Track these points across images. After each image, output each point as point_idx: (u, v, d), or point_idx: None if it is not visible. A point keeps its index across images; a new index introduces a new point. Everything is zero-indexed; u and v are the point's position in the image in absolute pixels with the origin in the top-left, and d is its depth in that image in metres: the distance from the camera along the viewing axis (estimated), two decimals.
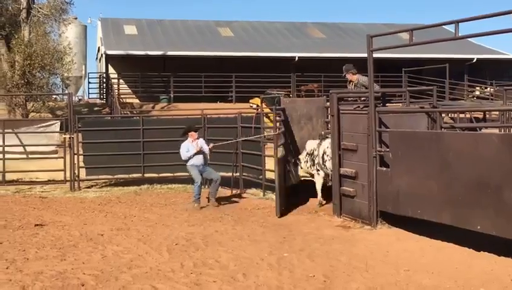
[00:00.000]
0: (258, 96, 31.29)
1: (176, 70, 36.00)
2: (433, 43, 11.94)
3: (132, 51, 37.16)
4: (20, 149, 19.07)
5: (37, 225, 12.21)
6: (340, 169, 12.55)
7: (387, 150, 11.18)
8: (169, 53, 37.03)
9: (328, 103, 13.92)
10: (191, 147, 14.66)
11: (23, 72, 28.02)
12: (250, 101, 31.22)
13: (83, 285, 7.62)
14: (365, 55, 11.71)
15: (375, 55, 11.88)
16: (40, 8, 29.36)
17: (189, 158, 14.62)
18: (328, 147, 13.55)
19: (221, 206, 14.49)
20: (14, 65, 27.95)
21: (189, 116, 19.29)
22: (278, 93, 30.06)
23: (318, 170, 14.07)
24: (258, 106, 29.20)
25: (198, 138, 14.97)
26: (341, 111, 12.77)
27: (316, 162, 14.05)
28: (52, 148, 19.17)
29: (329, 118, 13.61)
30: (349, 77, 14.60)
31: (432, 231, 10.05)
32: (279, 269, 8.38)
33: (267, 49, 38.69)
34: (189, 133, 14.87)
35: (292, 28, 44.57)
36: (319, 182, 14.16)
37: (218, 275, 8.09)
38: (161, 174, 18.35)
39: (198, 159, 14.69)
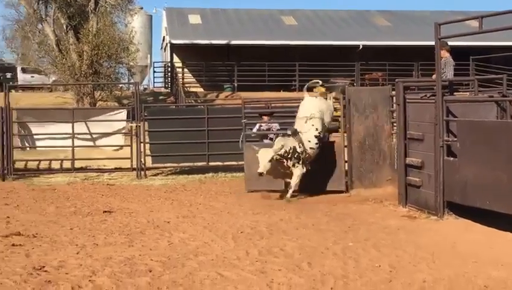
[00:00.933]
0: (322, 85, 31.27)
1: (240, 59, 36.18)
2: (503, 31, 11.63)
3: (196, 40, 37.48)
4: (88, 137, 19.45)
5: (106, 211, 12.48)
6: (406, 159, 12.42)
7: (455, 139, 11.00)
8: (233, 42, 37.20)
9: (393, 92, 13.76)
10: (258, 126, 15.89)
11: (91, 61, 28.57)
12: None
13: (150, 271, 7.74)
14: (432, 43, 11.53)
15: None
16: None
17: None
18: (309, 141, 13.80)
19: (286, 195, 14.52)
20: (83, 55, 28.50)
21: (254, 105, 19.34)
22: (342, 82, 29.91)
23: (303, 166, 14.00)
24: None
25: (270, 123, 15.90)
26: (407, 100, 12.62)
27: (302, 157, 13.92)
28: (119, 136, 19.49)
29: (394, 107, 13.46)
30: (442, 53, 13.86)
31: (500, 223, 9.85)
32: (344, 259, 8.35)
33: (331, 38, 38.48)
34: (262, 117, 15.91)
35: (357, 16, 44.18)
36: (299, 176, 14.01)
37: (283, 263, 8.11)
38: (226, 163, 18.48)
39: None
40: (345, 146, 14.77)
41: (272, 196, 14.17)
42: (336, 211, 12.45)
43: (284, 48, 37.37)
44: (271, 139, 15.56)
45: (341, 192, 14.57)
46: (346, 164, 14.77)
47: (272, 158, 13.54)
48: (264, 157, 13.57)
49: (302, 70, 35.44)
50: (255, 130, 15.99)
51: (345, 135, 14.78)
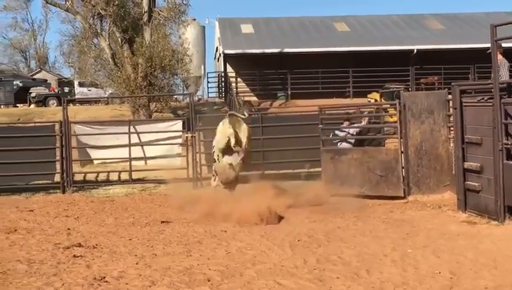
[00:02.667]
0: (376, 91, 31.07)
1: (293, 67, 36.17)
2: None
3: (249, 50, 37.61)
4: (145, 148, 19.67)
5: (163, 221, 12.62)
6: (464, 163, 12.22)
7: None
8: (286, 50, 37.21)
9: (449, 96, 13.57)
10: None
11: (146, 73, 28.86)
12: (369, 96, 30.96)
13: (208, 280, 7.79)
14: (487, 45, 11.34)
15: None
16: (160, 11, 30.15)
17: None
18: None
19: (342, 203, 14.44)
20: (137, 67, 28.85)
21: (307, 113, 19.30)
22: (396, 87, 29.63)
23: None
24: (376, 100, 28.96)
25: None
26: (464, 103, 12.43)
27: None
28: (175, 147, 19.65)
29: (451, 111, 13.28)
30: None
31: None
32: (403, 266, 8.27)
33: (385, 43, 38.16)
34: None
35: (410, 20, 43.70)
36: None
37: (342, 271, 8.06)
38: (281, 171, 18.45)
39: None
40: (402, 152, 14.64)
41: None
42: (393, 217, 12.33)
43: (337, 54, 37.22)
44: (349, 143, 16.23)
45: (398, 198, 14.43)
46: (403, 169, 14.64)
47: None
48: None
49: (356, 76, 35.26)
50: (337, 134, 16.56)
51: (401, 140, 14.65)
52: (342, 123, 16.97)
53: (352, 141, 16.34)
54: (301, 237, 10.42)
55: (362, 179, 15.14)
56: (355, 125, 16.76)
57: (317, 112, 17.70)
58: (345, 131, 16.58)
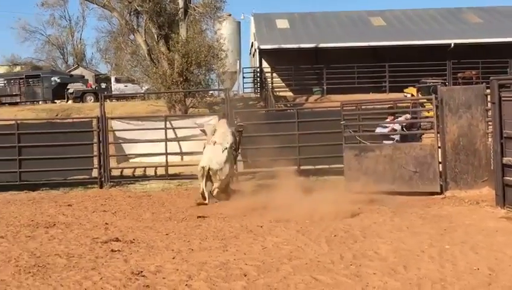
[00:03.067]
0: (413, 86, 30.82)
1: (329, 62, 36.04)
2: None
3: (285, 45, 37.58)
4: (181, 144, 19.77)
5: (200, 217, 12.68)
6: (503, 158, 12.07)
7: None
8: (322, 45, 37.10)
9: (488, 90, 13.41)
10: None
11: (181, 69, 29.00)
12: (405, 90, 30.71)
13: (245, 275, 7.81)
14: None
15: None
16: (196, 7, 30.28)
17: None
18: None
19: (378, 198, 14.36)
20: (173, 63, 29.01)
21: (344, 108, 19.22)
22: (433, 82, 29.36)
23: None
24: (412, 95, 28.71)
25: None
26: (502, 98, 12.26)
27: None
28: None
29: (489, 105, 13.12)
30: None
31: None
32: (440, 262, 8.19)
33: (421, 37, 37.85)
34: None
35: (447, 14, 43.24)
36: None
37: (378, 267, 8.02)
38: (317, 166, 18.41)
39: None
40: (439, 147, 14.51)
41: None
42: (430, 213, 12.21)
43: (373, 49, 37.02)
44: (392, 139, 15.97)
45: (435, 194, 14.31)
46: (440, 165, 14.51)
47: None
48: None
49: (392, 71, 35.03)
50: (378, 130, 16.31)
51: (438, 135, 14.53)
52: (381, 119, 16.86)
53: (396, 137, 16.09)
54: (337, 232, 10.38)
55: (392, 176, 14.98)
56: (400, 120, 16.56)
57: (353, 108, 17.66)
58: (388, 126, 16.36)
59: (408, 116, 16.81)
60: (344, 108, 16.69)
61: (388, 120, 16.56)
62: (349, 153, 15.76)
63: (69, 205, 15.02)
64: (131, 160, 20.10)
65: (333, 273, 7.80)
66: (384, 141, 16.08)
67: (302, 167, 18.64)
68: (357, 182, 14.90)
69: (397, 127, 16.23)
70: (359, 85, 34.55)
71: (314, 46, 37.18)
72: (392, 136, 16.10)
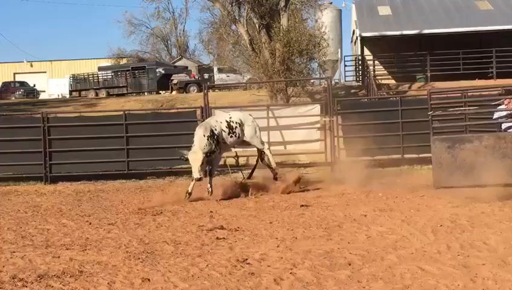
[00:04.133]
0: None
1: (432, 48, 35.27)
2: None
3: (387, 32, 37.04)
4: (283, 133, 19.83)
5: (303, 205, 12.71)
6: None
7: None
8: (425, 31, 36.34)
9: None
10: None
11: (283, 58, 29.08)
12: None
13: (349, 264, 7.77)
14: None
15: None
16: None
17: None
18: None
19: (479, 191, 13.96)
20: (275, 52, 29.12)
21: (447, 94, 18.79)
22: None
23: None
24: None
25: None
26: None
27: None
28: (314, 131, 19.68)
29: None
30: None
31: None
32: None
33: None
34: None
35: None
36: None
37: (487, 257, 7.80)
38: (421, 155, 18.08)
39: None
40: None
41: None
42: None
43: (479, 34, 35.93)
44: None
45: None
46: None
47: (203, 160, 13.79)
48: (196, 161, 13.88)
49: (500, 56, 33.89)
50: (496, 116, 15.13)
51: None
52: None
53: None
54: (443, 222, 10.17)
55: (496, 168, 14.25)
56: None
57: (458, 95, 17.21)
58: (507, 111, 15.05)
59: None
60: (432, 96, 16.05)
61: (505, 105, 15.54)
62: (439, 145, 14.84)
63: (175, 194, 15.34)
64: (233, 149, 20.32)
65: (440, 263, 7.65)
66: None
67: (405, 156, 18.37)
68: (449, 177, 14.24)
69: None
70: (464, 72, 33.65)
71: (417, 33, 36.47)
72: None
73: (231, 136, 15.12)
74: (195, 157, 13.85)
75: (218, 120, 15.21)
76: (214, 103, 22.92)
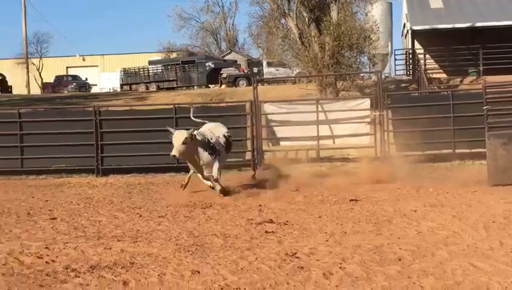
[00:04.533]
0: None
1: (485, 41, 34.65)
2: None
3: (438, 25, 36.51)
4: (332, 127, 19.74)
5: (352, 200, 12.66)
6: None
7: None
8: (478, 24, 35.72)
9: None
10: None
11: (333, 52, 28.95)
12: None
13: (399, 259, 7.71)
14: None
15: None
16: None
17: None
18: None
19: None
20: (324, 46, 29.00)
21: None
22: None
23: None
24: None
25: None
26: None
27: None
28: (363, 125, 19.55)
29: None
30: None
31: None
32: None
33: None
34: None
35: None
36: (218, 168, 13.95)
37: None
38: (473, 150, 17.82)
39: None
40: None
41: None
42: None
43: None
44: None
45: None
46: None
47: (186, 139, 13.28)
48: (178, 139, 13.36)
49: None
50: None
51: None
52: None
53: None
54: (496, 218, 10.01)
55: None
56: None
57: None
58: None
59: None
60: (487, 90, 15.79)
61: None
62: (495, 141, 14.54)
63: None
64: (282, 143, 20.33)
65: (492, 260, 7.53)
66: None
67: (457, 151, 18.13)
68: (505, 174, 13.98)
69: None
70: None
71: (470, 26, 35.87)
72: None
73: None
74: (178, 136, 13.50)
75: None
76: (262, 96, 22.93)
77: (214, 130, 14.55)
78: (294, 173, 16.13)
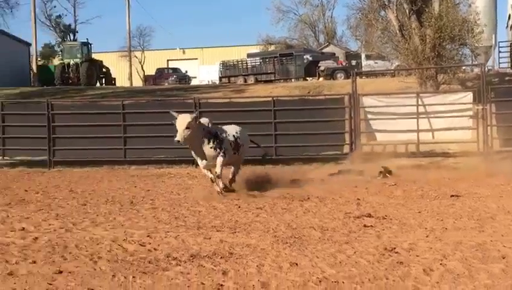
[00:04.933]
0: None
1: None
2: None
3: None
4: (432, 121, 19.35)
5: (453, 195, 12.40)
6: None
7: None
8: None
9: None
10: None
11: (434, 45, 28.32)
12: None
13: (503, 257, 7.49)
14: None
15: None
16: None
17: None
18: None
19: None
20: (425, 39, 28.41)
21: None
22: None
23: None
24: None
25: None
26: None
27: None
28: (465, 120, 19.07)
29: None
30: None
31: None
32: None
33: None
34: None
35: None
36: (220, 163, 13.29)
37: None
38: None
39: None
40: None
41: None
42: None
43: None
44: None
45: None
46: None
47: (189, 124, 12.71)
48: (181, 124, 12.80)
49: None
50: None
51: None
52: None
53: None
54: None
55: None
56: None
57: None
58: None
59: None
60: None
61: None
62: None
63: (322, 180, 15.41)
64: (378, 138, 20.08)
65: None
66: None
67: None
68: None
69: None
70: None
71: None
72: None
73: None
74: (181, 120, 12.99)
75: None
76: (361, 89, 22.71)
77: (227, 128, 14.09)
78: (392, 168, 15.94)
